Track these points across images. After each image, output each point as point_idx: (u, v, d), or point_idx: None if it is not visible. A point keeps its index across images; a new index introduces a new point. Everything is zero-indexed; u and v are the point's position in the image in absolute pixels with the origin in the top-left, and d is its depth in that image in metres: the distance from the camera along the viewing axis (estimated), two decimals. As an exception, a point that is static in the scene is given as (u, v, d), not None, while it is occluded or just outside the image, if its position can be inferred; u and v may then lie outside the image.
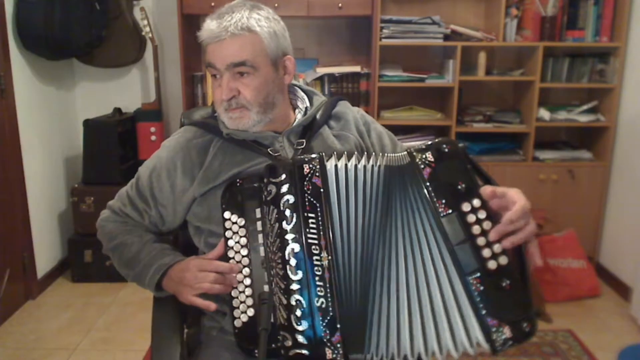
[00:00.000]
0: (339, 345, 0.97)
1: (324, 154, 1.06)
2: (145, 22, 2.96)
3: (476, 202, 1.00)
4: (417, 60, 3.13)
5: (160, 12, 3.16)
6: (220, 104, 1.18)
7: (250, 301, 1.06)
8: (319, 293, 0.98)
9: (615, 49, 2.85)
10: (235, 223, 1.09)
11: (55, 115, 3.02)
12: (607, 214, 3.00)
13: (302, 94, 1.33)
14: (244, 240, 1.08)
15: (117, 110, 3.08)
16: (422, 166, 1.02)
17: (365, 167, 1.04)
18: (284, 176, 1.03)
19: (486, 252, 0.98)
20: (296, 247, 1.00)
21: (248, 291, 1.06)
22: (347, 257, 1.02)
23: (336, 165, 1.04)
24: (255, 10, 1.16)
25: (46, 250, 2.91)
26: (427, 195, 1.01)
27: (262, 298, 0.98)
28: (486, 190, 1.00)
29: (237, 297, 1.07)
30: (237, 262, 1.08)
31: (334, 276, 0.99)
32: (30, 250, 2.75)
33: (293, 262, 0.99)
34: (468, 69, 2.99)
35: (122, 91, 3.24)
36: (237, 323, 1.06)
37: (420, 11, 3.04)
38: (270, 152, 1.20)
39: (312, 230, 1.00)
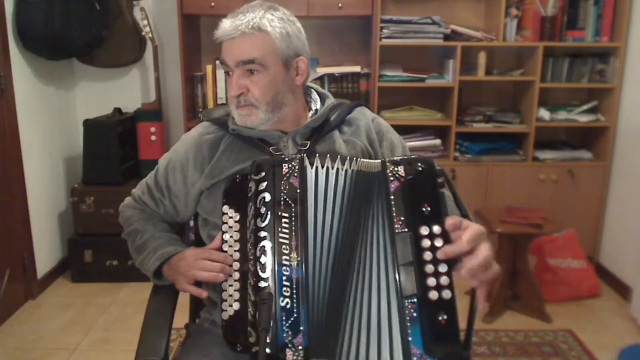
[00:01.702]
0: (300, 348, 0.96)
1: (305, 155, 1.06)
2: (145, 22, 2.96)
3: (436, 229, 0.98)
4: (417, 60, 3.13)
5: (160, 12, 3.16)
6: (232, 101, 1.21)
7: (237, 295, 1.07)
8: (285, 293, 0.97)
9: (615, 49, 2.85)
10: (232, 218, 1.11)
11: (55, 115, 3.02)
12: (607, 214, 3.00)
13: (317, 96, 1.34)
14: (237, 235, 1.09)
15: (117, 110, 3.08)
16: (392, 178, 1.02)
17: (346, 171, 1.05)
18: (263, 174, 1.04)
19: (431, 281, 0.96)
20: (267, 245, 1.00)
21: (236, 285, 1.07)
22: (317, 260, 1.00)
23: (317, 167, 1.04)
24: (270, 11, 1.18)
25: (46, 250, 2.91)
26: (387, 209, 1.00)
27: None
28: (449, 220, 0.98)
29: (226, 290, 1.08)
30: (230, 256, 1.10)
31: (302, 278, 0.98)
32: (30, 250, 2.75)
33: (263, 259, 0.99)
34: (468, 69, 2.99)
35: (122, 91, 3.24)
36: (224, 316, 1.07)
37: (420, 11, 3.04)
38: (272, 152, 1.21)
39: (284, 230, 1.00)
